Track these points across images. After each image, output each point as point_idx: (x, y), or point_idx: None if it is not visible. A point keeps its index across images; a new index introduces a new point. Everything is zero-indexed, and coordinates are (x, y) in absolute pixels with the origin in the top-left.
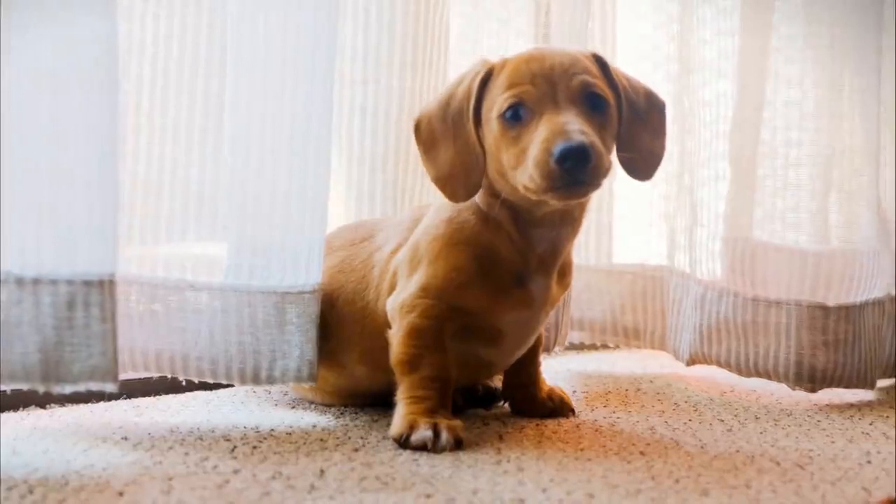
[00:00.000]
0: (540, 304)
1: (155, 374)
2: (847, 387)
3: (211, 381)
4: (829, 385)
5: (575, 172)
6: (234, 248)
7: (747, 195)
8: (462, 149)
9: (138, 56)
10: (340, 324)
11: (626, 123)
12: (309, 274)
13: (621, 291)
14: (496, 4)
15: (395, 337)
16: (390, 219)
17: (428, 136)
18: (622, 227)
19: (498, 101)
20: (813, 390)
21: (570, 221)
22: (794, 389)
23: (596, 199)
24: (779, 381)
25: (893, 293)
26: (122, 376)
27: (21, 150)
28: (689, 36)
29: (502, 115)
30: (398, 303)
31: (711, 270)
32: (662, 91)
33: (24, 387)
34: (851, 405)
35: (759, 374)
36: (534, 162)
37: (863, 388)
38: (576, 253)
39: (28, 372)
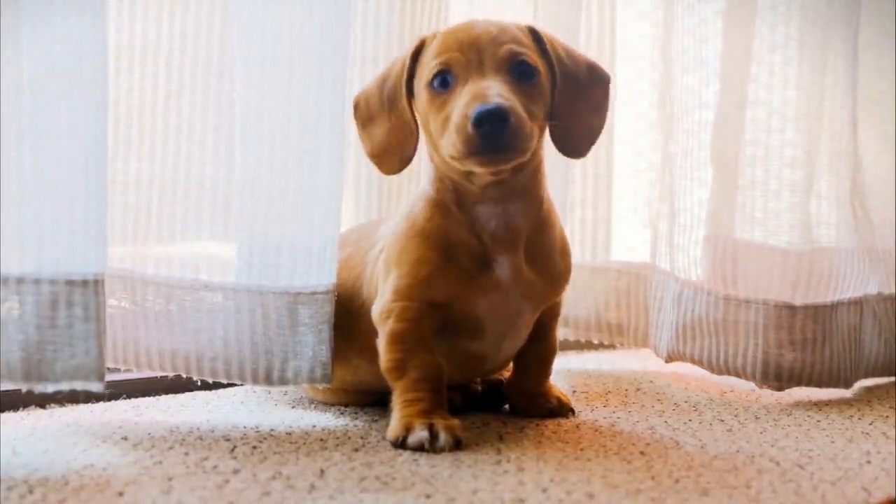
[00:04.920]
0: (511, 285)
1: (171, 374)
2: (818, 386)
3: (224, 381)
4: (798, 384)
5: (493, 137)
6: (246, 247)
7: (728, 194)
8: (396, 123)
9: (153, 55)
10: (344, 317)
11: (560, 95)
12: (321, 274)
13: (606, 288)
14: (495, 2)
15: (380, 345)
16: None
17: (366, 113)
18: (614, 225)
19: (426, 70)
20: (780, 389)
21: (517, 195)
22: (760, 388)
23: (591, 195)
24: (747, 379)
25: (888, 292)
26: (125, 376)
27: (5, 149)
28: (673, 37)
29: (430, 83)
30: (377, 310)
31: (687, 268)
32: (659, 90)
33: (7, 385)
34: (851, 405)
35: (729, 372)
36: (454, 127)
37: (835, 387)
38: None
39: (11, 370)
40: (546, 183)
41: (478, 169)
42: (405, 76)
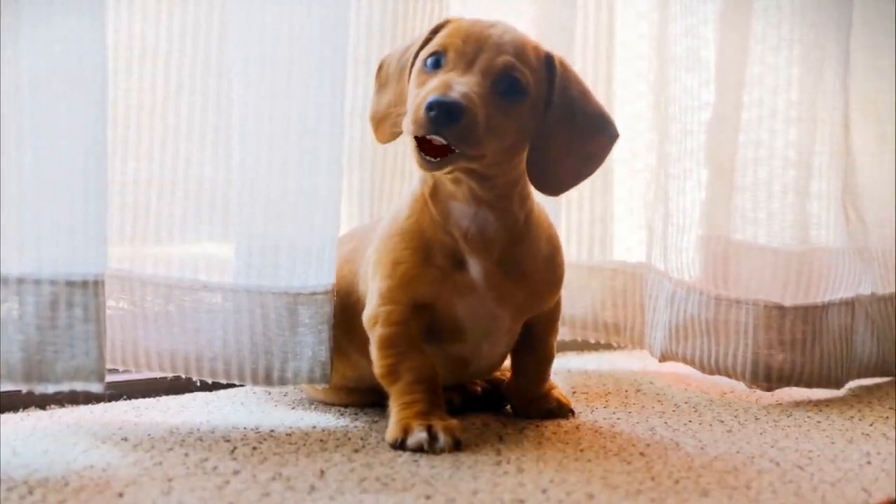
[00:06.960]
0: (484, 289)
1: (170, 375)
2: (808, 386)
3: (224, 381)
4: (788, 384)
5: (437, 125)
6: (245, 247)
7: (723, 195)
8: (398, 92)
9: (152, 56)
10: (344, 313)
11: (552, 129)
12: (321, 274)
13: (602, 287)
14: (491, 3)
15: (372, 351)
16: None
17: (384, 76)
18: (612, 225)
19: (428, 47)
20: (769, 389)
21: (486, 203)
22: (750, 388)
23: (588, 195)
24: (737, 379)
25: (881, 292)
26: (125, 377)
27: (5, 149)
28: (669, 38)
29: (424, 60)
30: (366, 316)
31: (681, 268)
32: (656, 90)
33: (7, 386)
34: (851, 406)
35: (720, 372)
36: (413, 106)
37: (826, 387)
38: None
39: (11, 371)
40: (529, 203)
41: (414, 155)
42: (419, 48)
